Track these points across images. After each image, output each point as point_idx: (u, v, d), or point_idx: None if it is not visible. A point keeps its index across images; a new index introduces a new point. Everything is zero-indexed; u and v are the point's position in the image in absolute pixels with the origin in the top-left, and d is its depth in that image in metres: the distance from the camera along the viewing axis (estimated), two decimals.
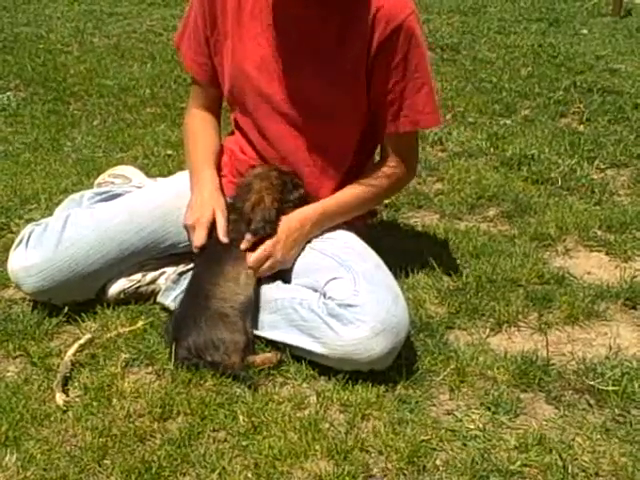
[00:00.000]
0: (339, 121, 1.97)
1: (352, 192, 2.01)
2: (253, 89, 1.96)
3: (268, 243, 1.90)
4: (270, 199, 1.90)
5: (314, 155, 1.99)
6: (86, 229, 1.99)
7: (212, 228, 1.92)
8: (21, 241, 2.00)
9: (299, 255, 1.95)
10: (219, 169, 2.08)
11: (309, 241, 1.97)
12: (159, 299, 2.04)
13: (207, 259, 1.90)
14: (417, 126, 2.00)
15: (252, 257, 1.89)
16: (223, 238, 1.90)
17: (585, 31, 5.55)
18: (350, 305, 1.74)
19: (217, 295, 1.82)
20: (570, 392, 1.75)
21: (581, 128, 3.58)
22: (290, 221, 1.93)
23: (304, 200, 1.98)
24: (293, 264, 1.95)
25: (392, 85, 1.91)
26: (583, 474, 1.50)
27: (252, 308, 1.86)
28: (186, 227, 1.96)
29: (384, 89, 1.92)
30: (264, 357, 1.80)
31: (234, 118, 2.11)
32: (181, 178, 2.12)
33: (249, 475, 1.48)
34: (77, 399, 1.69)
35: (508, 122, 3.64)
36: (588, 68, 4.49)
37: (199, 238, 1.91)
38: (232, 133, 2.15)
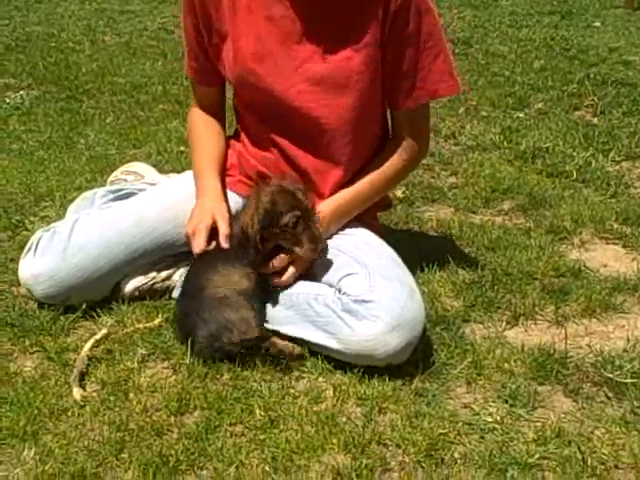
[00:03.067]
0: (356, 105, 1.93)
1: (366, 180, 1.98)
2: (259, 85, 1.94)
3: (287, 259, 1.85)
4: (255, 229, 1.82)
5: (328, 145, 1.97)
6: (92, 234, 1.99)
7: (213, 234, 1.87)
8: (30, 248, 2.00)
9: None
10: (225, 170, 2.06)
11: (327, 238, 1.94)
12: (174, 295, 2.04)
13: (202, 259, 1.87)
14: (435, 96, 1.98)
15: (285, 278, 1.86)
16: (224, 244, 1.85)
17: (598, 23, 5.52)
18: (365, 301, 1.74)
19: (210, 285, 1.81)
20: (588, 385, 1.74)
21: (595, 120, 3.56)
22: None
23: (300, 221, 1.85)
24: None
25: (406, 57, 1.90)
26: (602, 467, 1.49)
27: (254, 293, 1.83)
28: (187, 236, 1.91)
29: (398, 63, 1.90)
30: (285, 344, 1.79)
31: (241, 118, 2.08)
32: (191, 178, 2.09)
33: (266, 469, 1.48)
34: (94, 394, 1.69)
35: (521, 115, 3.63)
36: (601, 60, 4.47)
37: (198, 244, 1.86)
38: (237, 133, 2.13)
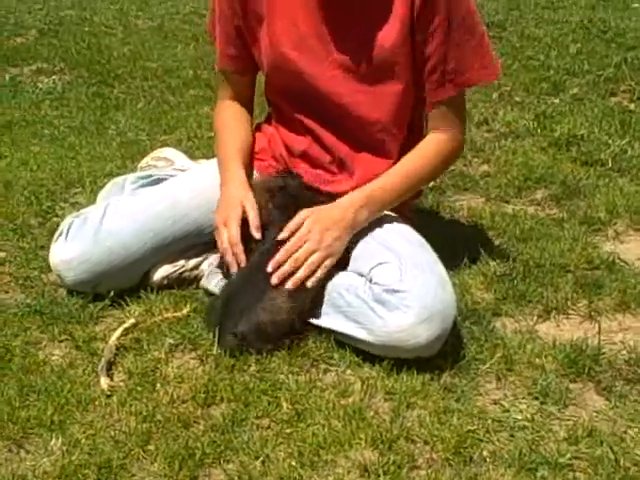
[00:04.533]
0: (388, 93, 1.91)
1: (400, 172, 1.93)
2: (293, 70, 1.92)
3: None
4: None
5: (360, 133, 1.95)
6: (124, 220, 1.99)
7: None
8: (61, 233, 2.01)
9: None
10: (252, 157, 2.05)
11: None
12: (202, 283, 2.04)
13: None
14: (464, 86, 1.92)
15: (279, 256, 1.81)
16: (256, 233, 1.85)
17: (637, 5, 5.38)
18: (396, 290, 1.71)
19: (270, 293, 1.79)
20: (621, 382, 1.70)
21: (632, 107, 3.47)
22: (331, 209, 1.86)
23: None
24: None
25: (435, 49, 1.85)
26: (635, 468, 1.46)
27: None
28: (216, 227, 1.91)
29: (427, 52, 1.86)
30: None
31: (274, 105, 2.07)
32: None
33: (293, 463, 1.47)
34: (121, 384, 1.70)
35: (556, 101, 3.55)
36: None
37: (231, 235, 1.85)
38: (269, 118, 2.11)
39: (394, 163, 1.96)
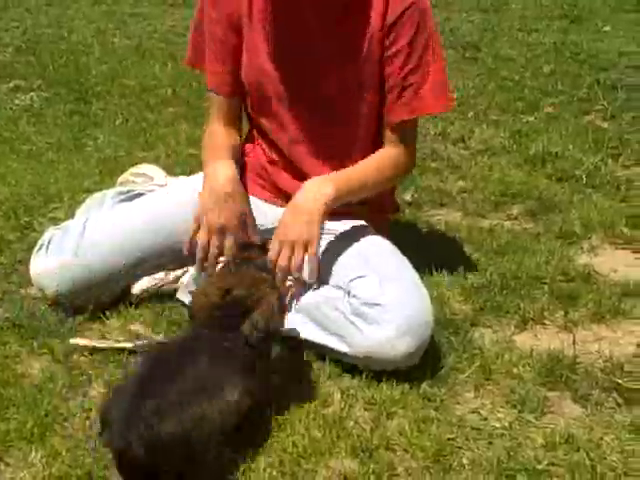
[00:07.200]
0: (354, 119, 1.94)
1: (360, 169, 1.92)
2: (271, 89, 1.95)
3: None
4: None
5: (328, 144, 1.97)
6: (104, 233, 1.99)
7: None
8: (41, 246, 2.01)
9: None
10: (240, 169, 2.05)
11: (335, 238, 1.92)
12: (179, 295, 2.03)
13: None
14: (417, 113, 1.92)
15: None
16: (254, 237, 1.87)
17: (608, 28, 5.48)
18: (375, 304, 1.73)
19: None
20: (597, 391, 1.72)
21: (605, 125, 3.54)
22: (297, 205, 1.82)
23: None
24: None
25: (393, 70, 1.88)
26: (612, 474, 1.48)
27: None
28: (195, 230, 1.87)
29: (386, 73, 1.88)
30: None
31: (254, 118, 2.08)
32: (201, 178, 2.10)
33: (274, 473, 1.47)
34: (100, 396, 1.69)
35: (531, 119, 3.61)
36: (612, 65, 4.44)
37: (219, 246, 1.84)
38: (251, 134, 2.12)
39: None
